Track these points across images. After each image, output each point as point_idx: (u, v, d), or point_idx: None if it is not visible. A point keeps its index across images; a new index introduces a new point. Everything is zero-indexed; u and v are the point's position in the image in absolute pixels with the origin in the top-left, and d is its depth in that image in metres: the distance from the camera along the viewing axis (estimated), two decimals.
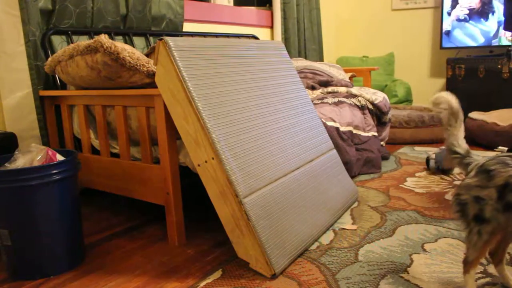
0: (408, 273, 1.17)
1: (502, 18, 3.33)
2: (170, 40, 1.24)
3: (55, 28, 1.88)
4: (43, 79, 1.83)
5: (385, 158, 2.46)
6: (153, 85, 1.45)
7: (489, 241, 0.96)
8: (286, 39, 3.35)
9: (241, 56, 1.48)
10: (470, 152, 1.04)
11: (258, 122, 1.39)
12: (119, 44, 1.39)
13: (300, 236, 1.32)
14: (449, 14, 3.53)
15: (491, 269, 1.17)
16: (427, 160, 2.21)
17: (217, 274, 1.22)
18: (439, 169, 2.15)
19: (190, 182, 2.15)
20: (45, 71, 1.76)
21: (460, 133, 1.07)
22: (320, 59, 3.74)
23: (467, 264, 1.00)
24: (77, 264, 1.33)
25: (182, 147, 1.45)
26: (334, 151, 1.78)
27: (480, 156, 1.04)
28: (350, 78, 3.00)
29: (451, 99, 1.05)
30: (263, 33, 3.34)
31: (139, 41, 2.24)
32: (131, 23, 2.20)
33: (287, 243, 1.25)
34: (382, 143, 2.51)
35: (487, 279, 1.12)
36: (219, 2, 3.05)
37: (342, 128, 2.10)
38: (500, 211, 0.93)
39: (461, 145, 1.06)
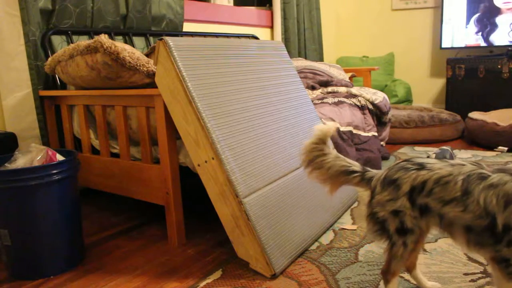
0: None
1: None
2: (170, 40, 1.24)
3: (55, 28, 1.88)
4: (43, 79, 1.83)
5: (385, 158, 2.46)
6: (153, 85, 1.45)
7: (415, 249, 0.94)
8: (286, 39, 3.35)
9: (241, 56, 1.48)
10: (365, 167, 1.01)
11: (258, 122, 1.39)
12: (119, 44, 1.39)
13: (300, 236, 1.32)
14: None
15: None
16: None
17: (217, 274, 1.22)
18: None
19: (190, 182, 2.15)
20: (45, 71, 1.76)
21: (337, 153, 1.02)
22: (320, 59, 3.74)
23: (389, 275, 0.97)
24: (77, 264, 1.33)
25: (182, 147, 1.45)
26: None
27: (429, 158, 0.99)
28: (350, 78, 3.00)
29: (326, 131, 1.00)
30: (263, 33, 3.34)
31: (139, 41, 2.24)
32: (131, 23, 2.20)
33: (287, 243, 1.25)
34: (382, 143, 2.51)
35: (487, 279, 1.12)
36: (219, 2, 3.05)
37: (342, 128, 2.10)
38: (419, 218, 0.90)
39: (353, 163, 1.01)
